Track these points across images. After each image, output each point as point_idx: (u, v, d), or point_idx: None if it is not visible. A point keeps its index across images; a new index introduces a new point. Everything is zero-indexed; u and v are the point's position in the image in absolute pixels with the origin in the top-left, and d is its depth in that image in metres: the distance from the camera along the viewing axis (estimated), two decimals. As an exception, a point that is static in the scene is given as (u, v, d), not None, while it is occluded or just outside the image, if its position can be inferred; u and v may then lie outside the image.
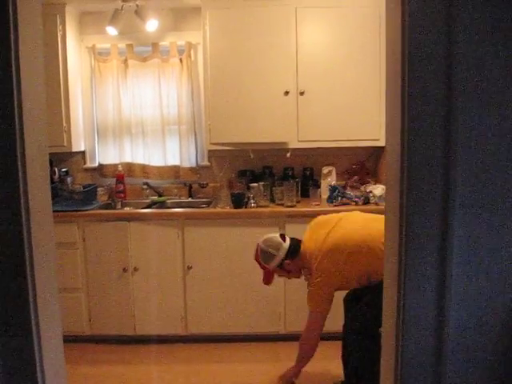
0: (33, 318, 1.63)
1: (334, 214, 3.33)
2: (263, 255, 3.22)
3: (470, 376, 1.66)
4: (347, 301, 3.39)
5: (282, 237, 3.25)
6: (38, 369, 1.66)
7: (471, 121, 1.54)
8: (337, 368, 3.36)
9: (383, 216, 1.82)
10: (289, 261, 3.19)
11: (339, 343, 3.29)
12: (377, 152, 4.77)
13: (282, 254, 3.17)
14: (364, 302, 3.09)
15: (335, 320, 3.33)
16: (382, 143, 4.23)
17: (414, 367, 1.64)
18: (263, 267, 3.27)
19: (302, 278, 3.32)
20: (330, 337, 3.42)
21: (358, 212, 3.41)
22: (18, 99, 1.55)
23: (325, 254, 3.03)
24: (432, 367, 1.63)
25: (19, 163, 1.56)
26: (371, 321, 2.93)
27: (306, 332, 3.18)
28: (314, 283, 3.08)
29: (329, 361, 3.56)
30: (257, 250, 3.28)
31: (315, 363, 3.26)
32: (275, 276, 3.33)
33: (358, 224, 3.18)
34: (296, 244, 3.24)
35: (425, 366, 1.64)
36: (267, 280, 3.33)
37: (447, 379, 1.63)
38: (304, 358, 3.23)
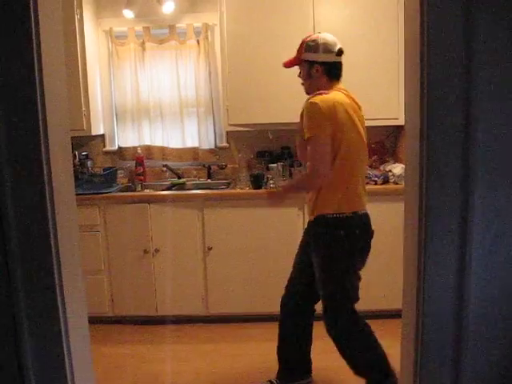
0: (59, 298, 1.65)
1: None
2: (310, 43, 2.91)
3: (491, 354, 1.66)
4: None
5: (340, 52, 2.92)
6: (64, 348, 1.69)
7: (493, 95, 1.53)
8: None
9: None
10: (321, 70, 2.92)
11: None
12: (396, 131, 4.74)
13: (324, 57, 2.89)
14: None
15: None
16: (401, 122, 4.19)
17: (433, 350, 1.64)
18: (300, 50, 2.97)
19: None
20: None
21: None
22: (40, 84, 1.57)
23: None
24: (453, 338, 1.64)
25: (43, 147, 1.58)
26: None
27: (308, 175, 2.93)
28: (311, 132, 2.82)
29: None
30: (310, 36, 2.96)
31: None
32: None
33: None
34: (339, 74, 2.98)
35: (444, 347, 1.64)
36: (287, 64, 3.05)
37: (467, 359, 1.63)
38: (303, 184, 3.09)
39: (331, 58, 2.90)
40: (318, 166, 2.80)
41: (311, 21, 4.24)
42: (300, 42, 2.98)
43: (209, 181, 4.89)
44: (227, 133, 4.88)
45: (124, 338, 4.18)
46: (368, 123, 4.40)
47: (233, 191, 4.33)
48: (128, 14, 4.64)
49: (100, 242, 4.28)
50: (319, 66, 2.90)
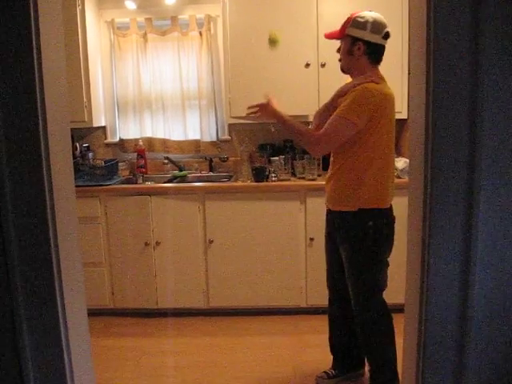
0: (57, 290, 1.64)
1: None
2: (358, 18, 2.78)
3: (495, 348, 1.65)
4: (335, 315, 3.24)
5: (387, 36, 2.81)
6: (63, 341, 1.68)
7: (499, 90, 1.51)
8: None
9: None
10: (363, 49, 2.80)
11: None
12: (399, 125, 4.71)
13: (369, 36, 2.77)
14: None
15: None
16: (403, 116, 4.16)
17: (437, 334, 1.63)
18: (345, 24, 2.84)
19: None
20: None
21: None
22: (39, 75, 1.55)
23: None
24: (456, 333, 1.63)
25: (42, 138, 1.57)
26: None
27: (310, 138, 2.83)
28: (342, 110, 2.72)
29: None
30: (359, 12, 2.84)
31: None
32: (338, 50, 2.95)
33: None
34: (380, 58, 2.87)
35: (449, 332, 1.63)
36: (329, 35, 2.96)
37: (471, 346, 1.62)
38: (299, 133, 2.89)
39: (377, 40, 2.79)
40: (323, 142, 2.76)
41: (314, 12, 4.21)
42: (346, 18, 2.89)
43: (210, 173, 4.88)
44: (229, 125, 4.86)
45: (124, 331, 4.18)
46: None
47: (234, 184, 4.31)
48: (130, 4, 4.63)
49: (101, 235, 4.27)
50: (362, 44, 2.78)
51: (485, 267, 1.58)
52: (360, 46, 2.79)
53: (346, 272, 2.95)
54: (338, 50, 2.94)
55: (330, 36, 2.95)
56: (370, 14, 2.80)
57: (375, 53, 2.83)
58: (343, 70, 2.95)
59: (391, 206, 2.91)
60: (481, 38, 1.48)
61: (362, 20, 2.77)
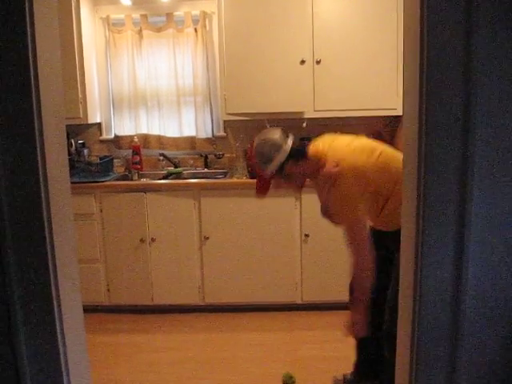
0: (53, 286, 1.64)
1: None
2: (259, 156, 2.59)
3: (488, 344, 1.66)
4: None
5: (284, 133, 2.62)
6: (59, 337, 1.69)
7: (492, 86, 1.52)
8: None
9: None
10: (290, 163, 2.58)
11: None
12: (394, 121, 4.72)
13: (280, 156, 2.55)
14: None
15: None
16: (399, 112, 4.18)
17: (430, 330, 1.64)
18: (258, 172, 2.66)
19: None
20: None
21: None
22: (34, 69, 1.55)
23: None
24: (449, 329, 1.64)
25: (37, 135, 1.57)
26: None
27: (356, 268, 2.59)
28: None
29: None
30: (250, 150, 2.67)
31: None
32: (275, 188, 2.74)
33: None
34: (302, 146, 2.67)
35: (442, 328, 1.64)
36: (261, 190, 2.72)
37: (464, 341, 1.63)
38: (360, 297, 2.62)
39: (287, 149, 2.57)
40: (364, 250, 2.55)
41: (310, 9, 4.21)
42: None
43: (205, 170, 4.88)
44: (224, 122, 4.86)
45: (120, 327, 4.18)
46: (366, 113, 4.42)
47: (229, 181, 4.32)
48: (125, 1, 4.62)
49: (96, 231, 4.27)
50: (287, 163, 2.58)
51: (477, 263, 1.60)
52: (286, 166, 2.60)
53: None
54: (279, 187, 2.77)
55: (264, 191, 2.74)
56: (260, 146, 2.62)
57: (298, 152, 2.62)
58: (303, 187, 2.84)
59: None
60: (474, 32, 1.49)
61: (264, 157, 2.58)
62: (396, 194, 2.58)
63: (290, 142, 2.59)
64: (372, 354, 3.06)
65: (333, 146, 2.67)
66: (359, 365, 3.16)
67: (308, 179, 2.76)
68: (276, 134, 2.61)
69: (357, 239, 2.57)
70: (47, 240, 1.62)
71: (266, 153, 2.57)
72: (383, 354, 2.76)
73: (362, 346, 3.10)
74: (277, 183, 2.70)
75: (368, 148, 2.66)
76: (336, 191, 2.54)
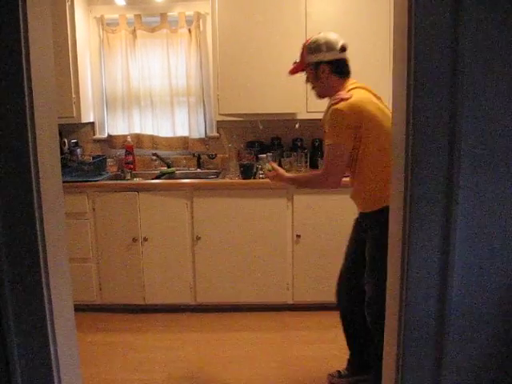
0: (44, 285, 1.66)
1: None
2: (312, 42, 2.85)
3: (472, 338, 1.68)
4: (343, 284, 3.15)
5: (344, 47, 2.86)
6: (49, 336, 1.70)
7: (478, 86, 1.54)
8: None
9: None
10: (327, 70, 2.84)
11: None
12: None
13: (327, 55, 2.81)
14: (372, 283, 2.85)
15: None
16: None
17: (416, 330, 1.66)
18: (301, 54, 2.92)
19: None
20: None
21: None
22: (27, 69, 1.56)
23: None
24: (434, 329, 1.66)
25: (29, 133, 1.58)
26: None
27: (316, 177, 2.97)
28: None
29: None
30: (310, 39, 2.91)
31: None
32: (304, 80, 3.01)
33: None
34: (347, 70, 2.91)
35: (427, 328, 1.66)
36: (292, 70, 3.00)
37: (449, 342, 1.65)
38: (312, 183, 3.06)
39: (335, 55, 2.83)
40: (329, 175, 2.80)
41: (303, 10, 4.23)
42: (301, 45, 2.94)
43: (198, 170, 4.89)
44: (217, 122, 4.87)
45: (112, 327, 4.18)
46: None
47: (222, 181, 4.33)
48: (119, 1, 4.62)
49: (88, 230, 4.27)
50: (325, 65, 2.83)
51: (463, 262, 1.62)
52: (323, 67, 2.84)
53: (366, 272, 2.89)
54: (308, 81, 2.99)
55: (294, 71, 3.01)
56: (321, 36, 2.86)
57: (339, 68, 2.87)
58: (320, 96, 2.99)
59: None
60: (460, 31, 1.51)
61: (314, 45, 2.84)
62: (367, 175, 2.80)
63: (341, 55, 2.85)
64: (364, 347, 3.14)
65: (363, 91, 2.86)
66: (353, 359, 3.22)
67: (327, 94, 2.92)
68: (339, 41, 2.84)
69: (328, 160, 2.78)
70: (39, 239, 1.63)
71: (318, 43, 2.82)
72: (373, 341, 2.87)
73: (355, 340, 3.17)
74: (307, 76, 2.95)
75: (388, 118, 2.73)
76: (333, 113, 2.74)
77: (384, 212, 2.76)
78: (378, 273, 2.84)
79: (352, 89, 2.84)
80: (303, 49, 2.91)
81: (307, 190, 4.04)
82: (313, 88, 2.99)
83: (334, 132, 2.74)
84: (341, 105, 2.73)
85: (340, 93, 2.81)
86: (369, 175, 2.81)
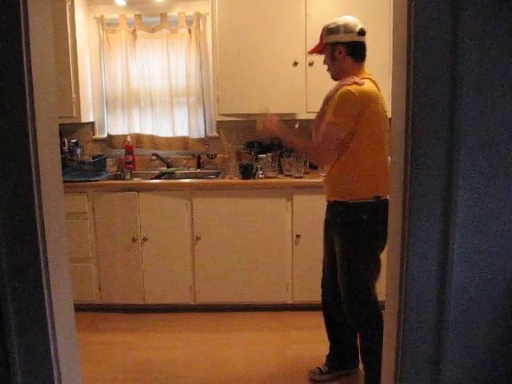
0: (45, 285, 1.66)
1: None
2: (332, 23, 2.92)
3: (471, 338, 1.68)
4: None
5: (363, 31, 2.91)
6: (50, 335, 1.70)
7: (478, 87, 1.54)
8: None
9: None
10: (343, 51, 2.89)
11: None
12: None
13: (345, 37, 2.87)
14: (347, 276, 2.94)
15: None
16: (389, 115, 4.21)
17: (415, 330, 1.66)
18: (321, 34, 2.99)
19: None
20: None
21: None
22: (27, 69, 1.57)
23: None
24: (433, 328, 1.66)
25: (30, 133, 1.58)
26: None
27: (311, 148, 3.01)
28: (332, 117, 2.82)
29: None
30: (330, 20, 2.96)
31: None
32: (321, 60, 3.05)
33: None
34: (363, 54, 2.96)
35: (426, 327, 1.66)
36: (312, 49, 3.10)
37: (448, 341, 1.66)
38: (301, 148, 3.28)
39: (353, 38, 2.88)
40: (322, 151, 2.88)
41: (303, 10, 4.23)
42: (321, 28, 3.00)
43: (198, 170, 4.89)
44: (217, 122, 4.87)
45: (111, 326, 4.19)
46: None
47: (222, 181, 4.33)
48: (120, 1, 4.63)
49: (88, 230, 4.28)
50: (342, 46, 2.89)
51: (461, 260, 1.62)
52: (339, 48, 2.90)
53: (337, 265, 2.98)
54: (325, 62, 3.03)
55: (313, 50, 3.09)
56: (341, 18, 2.93)
57: (356, 51, 2.92)
58: (334, 78, 3.02)
59: (387, 201, 2.92)
60: (459, 32, 1.51)
61: (334, 26, 2.90)
62: (350, 165, 2.86)
63: (359, 38, 2.90)
64: (345, 345, 3.28)
65: (373, 86, 2.91)
66: (332, 354, 3.31)
67: (341, 75, 2.96)
68: (357, 25, 2.91)
69: (324, 136, 2.83)
70: (39, 238, 1.63)
71: (337, 24, 2.90)
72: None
73: (337, 337, 3.29)
74: (326, 56, 3.00)
75: (384, 120, 2.87)
76: (344, 93, 2.79)
77: (356, 206, 2.84)
78: (348, 272, 2.90)
79: (365, 78, 2.89)
80: (323, 30, 2.97)
81: (307, 191, 4.06)
82: (328, 69, 3.04)
83: (339, 111, 2.79)
84: (353, 87, 2.79)
85: (354, 77, 2.86)
86: (351, 166, 2.86)
